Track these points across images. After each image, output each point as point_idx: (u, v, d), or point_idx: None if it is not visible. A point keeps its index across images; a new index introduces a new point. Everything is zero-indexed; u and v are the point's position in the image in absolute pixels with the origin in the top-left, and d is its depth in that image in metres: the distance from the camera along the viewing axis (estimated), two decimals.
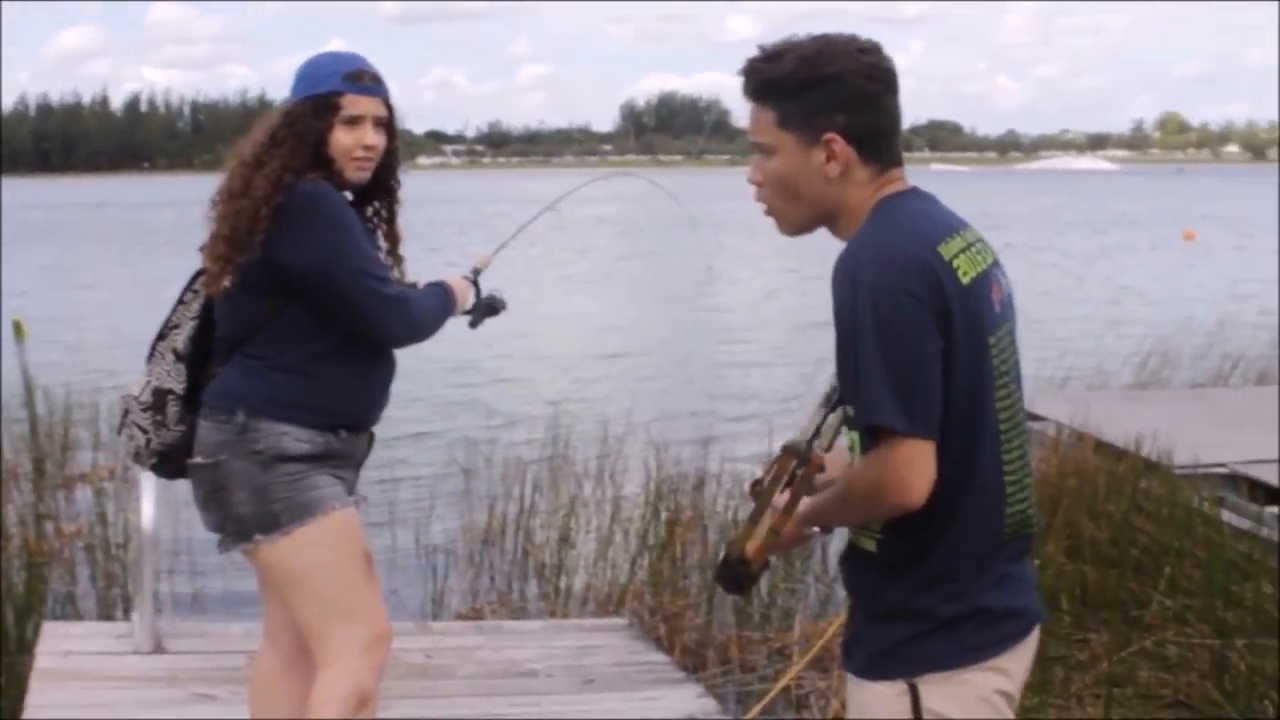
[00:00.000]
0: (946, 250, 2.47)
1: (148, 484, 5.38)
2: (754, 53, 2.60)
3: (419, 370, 13.13)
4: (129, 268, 34.00)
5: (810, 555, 7.56)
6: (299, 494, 3.51)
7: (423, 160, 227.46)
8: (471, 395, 15.18)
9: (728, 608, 6.96)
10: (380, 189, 3.76)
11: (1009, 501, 2.54)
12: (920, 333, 2.39)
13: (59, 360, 14.98)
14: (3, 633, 5.96)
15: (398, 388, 3.79)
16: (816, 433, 2.56)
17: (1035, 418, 9.31)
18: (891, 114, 2.58)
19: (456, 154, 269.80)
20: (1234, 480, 8.16)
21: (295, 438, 3.51)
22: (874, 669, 2.56)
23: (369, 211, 3.78)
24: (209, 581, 7.60)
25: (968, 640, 2.50)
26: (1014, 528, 2.56)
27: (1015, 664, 2.58)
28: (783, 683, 5.65)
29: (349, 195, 3.65)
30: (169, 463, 3.69)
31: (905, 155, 2.65)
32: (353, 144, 3.56)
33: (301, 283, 3.48)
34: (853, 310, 2.41)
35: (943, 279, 2.42)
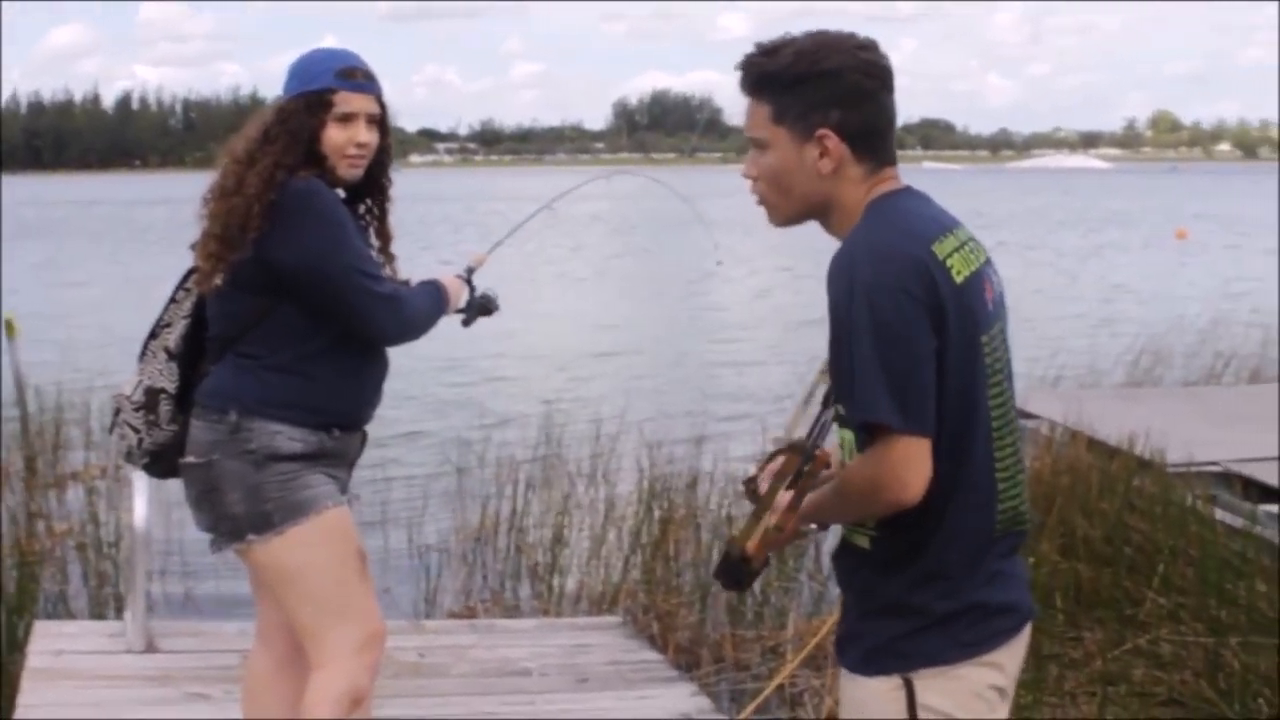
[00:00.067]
0: (940, 249, 2.48)
1: (140, 483, 5.37)
2: (751, 48, 2.60)
3: (412, 369, 13.12)
4: (121, 265, 33.97)
5: (803, 553, 7.55)
6: (292, 493, 3.50)
7: (415, 158, 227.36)
8: (464, 394, 15.17)
9: (721, 606, 6.95)
10: (372, 186, 3.76)
11: (1001, 498, 2.55)
12: (915, 331, 2.40)
13: (51, 358, 14.89)
14: None
15: (390, 386, 3.78)
16: (820, 430, 2.56)
17: (1028, 416, 9.32)
18: (887, 112, 2.58)
19: (449, 152, 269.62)
20: (1227, 478, 8.17)
21: (288, 437, 3.50)
22: (869, 664, 2.57)
23: (361, 209, 3.77)
24: (201, 581, 7.59)
25: (962, 635, 2.52)
26: (1006, 524, 2.57)
27: (1008, 659, 2.60)
28: (777, 681, 5.65)
29: (341, 193, 3.64)
30: (161, 462, 3.68)
31: (898, 153, 2.65)
32: (345, 141, 3.55)
33: (294, 280, 3.47)
34: (848, 308, 2.42)
35: (937, 278, 2.44)
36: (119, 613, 6.63)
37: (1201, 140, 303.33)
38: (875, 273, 2.41)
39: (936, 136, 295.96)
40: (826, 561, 7.53)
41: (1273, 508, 7.38)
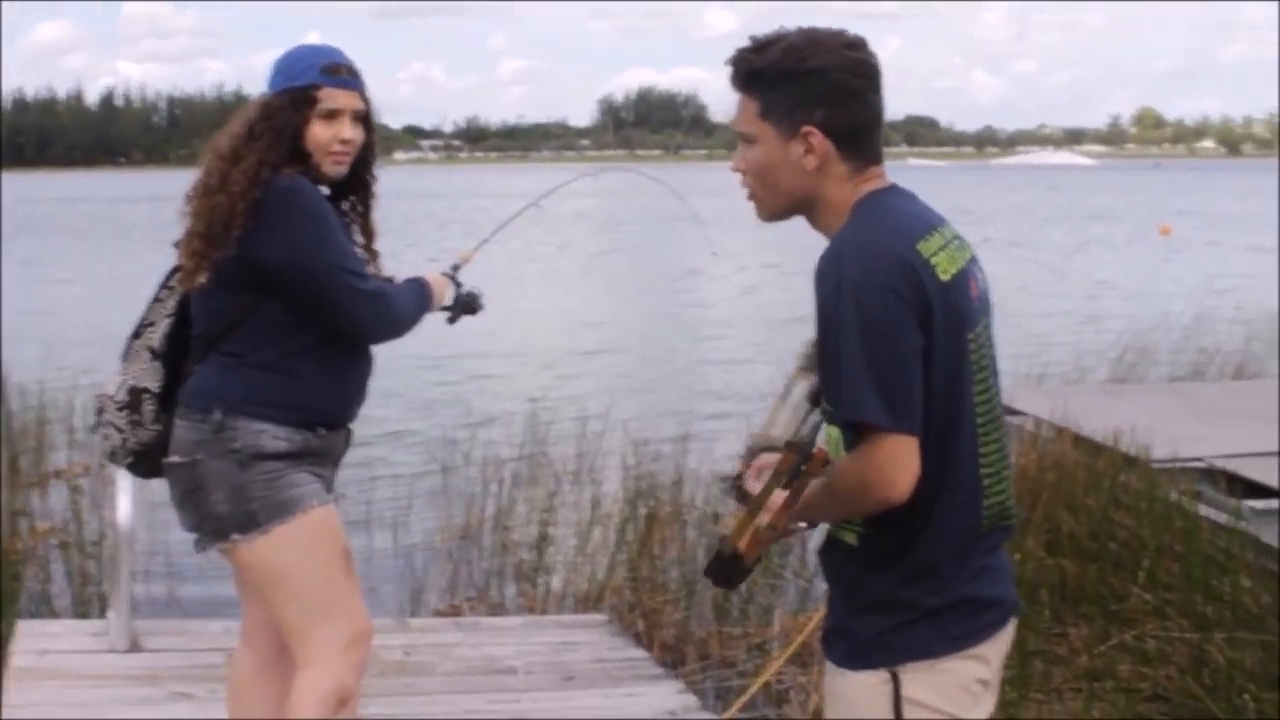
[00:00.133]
0: (926, 248, 2.49)
1: (124, 481, 5.35)
2: (743, 43, 2.61)
3: (397, 367, 13.09)
4: (105, 263, 33.87)
5: (789, 551, 7.55)
6: (277, 492, 3.48)
7: (400, 155, 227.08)
8: (450, 392, 15.14)
9: (707, 603, 6.95)
10: (356, 183, 3.73)
11: (987, 494, 2.57)
12: (902, 330, 2.42)
13: (34, 356, 14.87)
14: None
15: (375, 384, 3.76)
16: (814, 429, 2.57)
17: (1014, 412, 9.32)
18: (874, 111, 2.59)
19: (434, 149, 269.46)
20: (1211, 474, 8.17)
21: (273, 436, 3.48)
22: (856, 658, 2.58)
23: (345, 206, 3.75)
24: (185, 581, 7.56)
25: (950, 629, 2.53)
26: (992, 520, 2.59)
27: (994, 652, 2.62)
28: (763, 678, 5.64)
29: (325, 189, 3.62)
30: (145, 462, 3.66)
31: (883, 150, 2.66)
32: (330, 138, 3.53)
33: (278, 278, 3.45)
34: (835, 307, 2.43)
35: (923, 276, 2.45)
36: (102, 612, 6.60)
37: (1185, 137, 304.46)
38: (862, 271, 2.42)
39: (922, 133, 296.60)
40: (812, 559, 7.53)
41: (1257, 503, 7.39)
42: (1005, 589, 2.65)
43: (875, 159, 2.60)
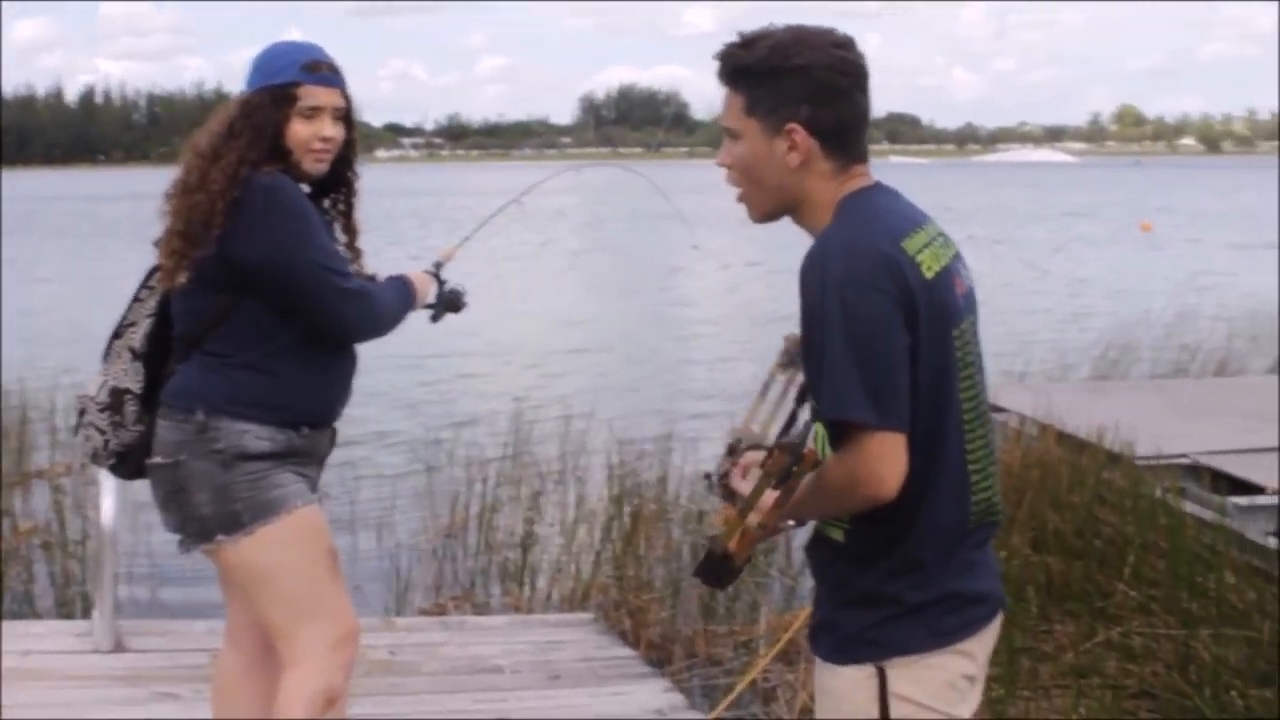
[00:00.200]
0: (910, 245, 2.50)
1: (108, 481, 5.33)
2: (733, 38, 2.61)
3: (380, 366, 13.04)
4: (86, 261, 33.74)
5: (774, 549, 7.56)
6: (261, 493, 3.46)
7: (381, 153, 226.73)
8: (433, 391, 15.12)
9: (693, 602, 6.95)
10: (338, 181, 3.71)
11: (974, 490, 2.58)
12: (888, 327, 2.42)
13: (15, 355, 14.82)
14: None
15: (358, 384, 3.74)
16: (806, 428, 2.56)
17: (997, 409, 9.34)
18: (859, 110, 2.59)
19: (415, 147, 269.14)
20: (1195, 471, 8.20)
21: (256, 436, 3.46)
22: (842, 653, 2.59)
23: (326, 204, 3.73)
24: (167, 582, 7.54)
25: (936, 624, 2.54)
26: (979, 516, 2.60)
27: (980, 648, 2.63)
28: (750, 677, 5.64)
29: (306, 188, 3.60)
30: (128, 463, 3.63)
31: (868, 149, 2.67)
32: (310, 136, 3.51)
33: (259, 277, 3.43)
34: (820, 305, 2.43)
35: (908, 274, 2.45)
36: (85, 612, 6.57)
37: (1165, 134, 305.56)
38: (847, 269, 2.42)
39: (903, 131, 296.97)
40: (797, 556, 7.53)
41: (1241, 500, 7.42)
42: (991, 584, 2.66)
43: (860, 158, 2.60)
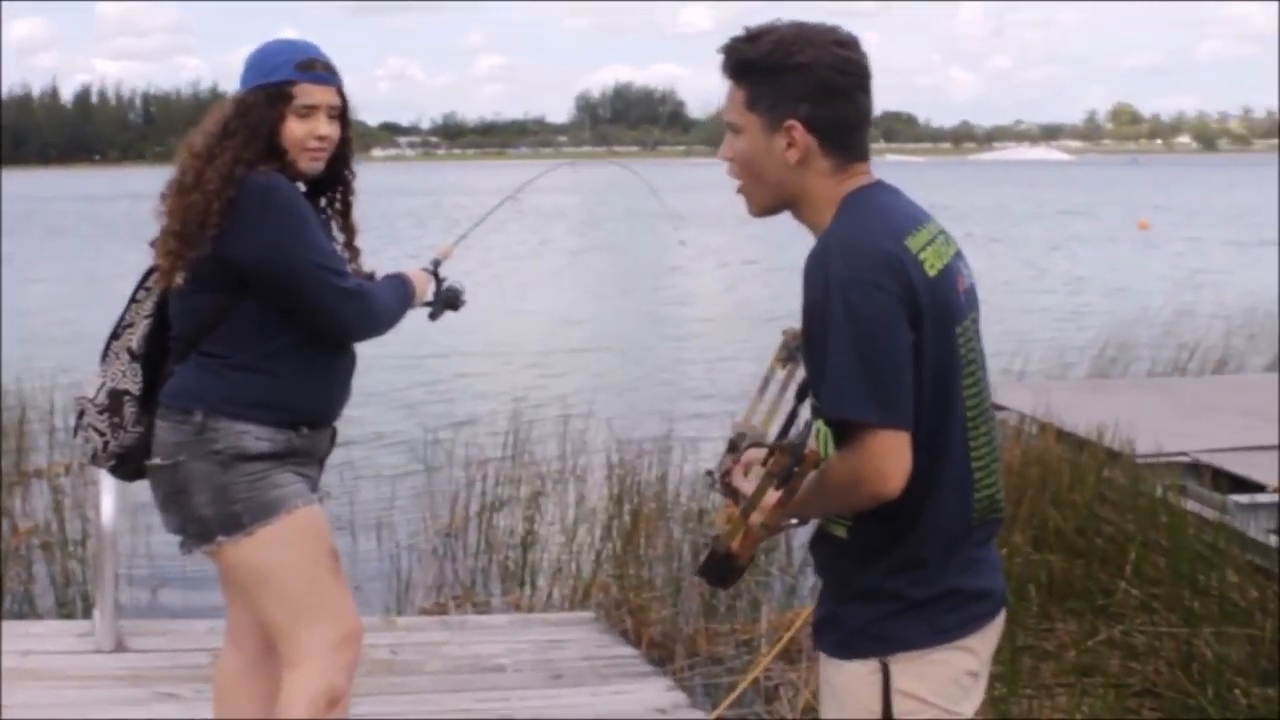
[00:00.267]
0: (913, 243, 2.51)
1: (108, 481, 5.31)
2: (739, 31, 2.62)
3: (380, 366, 13.06)
4: (83, 261, 33.71)
5: (775, 548, 7.55)
6: (261, 493, 3.45)
7: (378, 152, 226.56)
8: (432, 391, 15.11)
9: (694, 600, 6.94)
10: (334, 180, 3.70)
11: (977, 487, 2.59)
12: (892, 326, 2.43)
13: (13, 355, 14.80)
14: None
15: (358, 384, 3.73)
16: (807, 428, 2.56)
17: (996, 407, 9.28)
18: (859, 109, 2.60)
19: (411, 146, 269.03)
20: (1196, 469, 8.20)
21: (255, 436, 3.45)
22: (846, 648, 2.60)
23: (323, 203, 3.71)
24: (168, 585, 7.54)
25: (939, 621, 2.55)
26: (982, 513, 2.61)
27: (983, 645, 2.64)
28: (752, 676, 5.63)
29: (302, 187, 3.59)
30: (127, 464, 3.62)
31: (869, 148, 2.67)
32: (306, 134, 3.49)
33: (255, 277, 3.41)
34: (824, 305, 2.44)
35: (911, 272, 2.46)
36: (86, 612, 6.57)
37: (1161, 132, 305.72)
38: (850, 268, 2.43)
39: (899, 129, 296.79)
40: (798, 555, 7.54)
41: (1242, 498, 7.41)
42: (994, 580, 2.67)
43: (861, 156, 2.61)
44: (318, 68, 3.52)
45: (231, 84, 3.62)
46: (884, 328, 2.41)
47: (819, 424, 2.57)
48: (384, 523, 8.92)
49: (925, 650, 2.54)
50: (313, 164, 3.54)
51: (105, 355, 3.64)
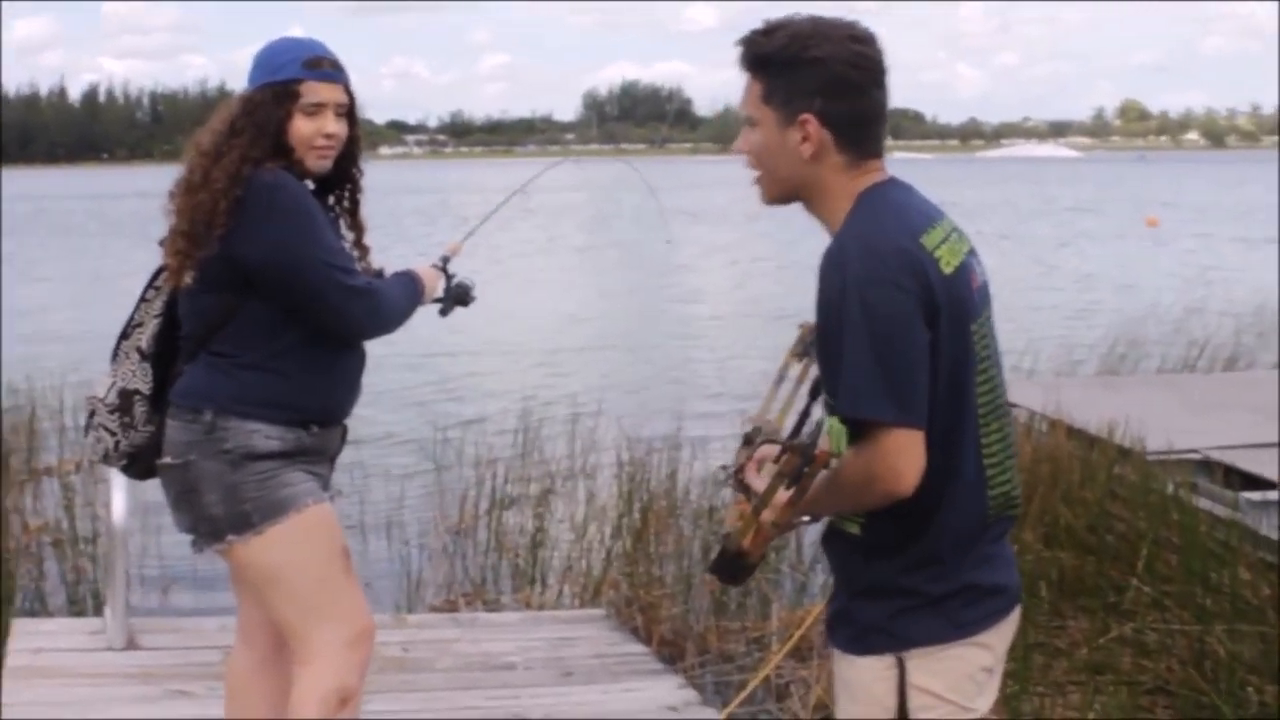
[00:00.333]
0: (929, 241, 2.51)
1: (118, 479, 5.30)
2: (757, 25, 2.63)
3: (389, 365, 13.07)
4: (92, 259, 33.77)
5: (785, 545, 7.55)
6: (271, 492, 3.45)
7: (385, 150, 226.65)
8: (442, 390, 15.11)
9: (704, 598, 6.94)
10: (342, 178, 3.69)
11: (990, 484, 2.59)
12: (908, 324, 2.43)
13: (23, 353, 14.84)
14: None
15: (367, 382, 3.73)
16: (818, 428, 2.56)
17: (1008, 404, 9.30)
18: (874, 105, 2.60)
19: (419, 144, 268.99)
20: (1207, 466, 8.17)
21: (265, 435, 3.44)
22: (861, 643, 2.61)
23: (331, 201, 3.71)
24: (179, 586, 7.55)
25: (956, 616, 2.55)
26: (997, 510, 2.61)
27: (998, 640, 2.64)
28: (763, 673, 5.62)
29: (310, 184, 3.58)
30: (138, 464, 3.62)
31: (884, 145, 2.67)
32: (313, 133, 3.49)
33: (262, 276, 3.40)
34: (841, 303, 2.44)
35: (927, 270, 2.47)
36: (96, 609, 6.57)
37: (1170, 129, 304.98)
38: (866, 267, 2.43)
39: (907, 126, 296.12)
40: (809, 552, 7.53)
41: (1254, 495, 7.38)
42: (1009, 576, 2.67)
43: (875, 153, 2.62)
44: (325, 65, 3.51)
45: (239, 82, 3.62)
46: (901, 326, 2.41)
47: (831, 422, 2.57)
48: (394, 521, 8.92)
49: (942, 646, 2.54)
50: (320, 162, 3.54)
51: (115, 355, 3.64)
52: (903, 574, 2.55)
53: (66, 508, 7.89)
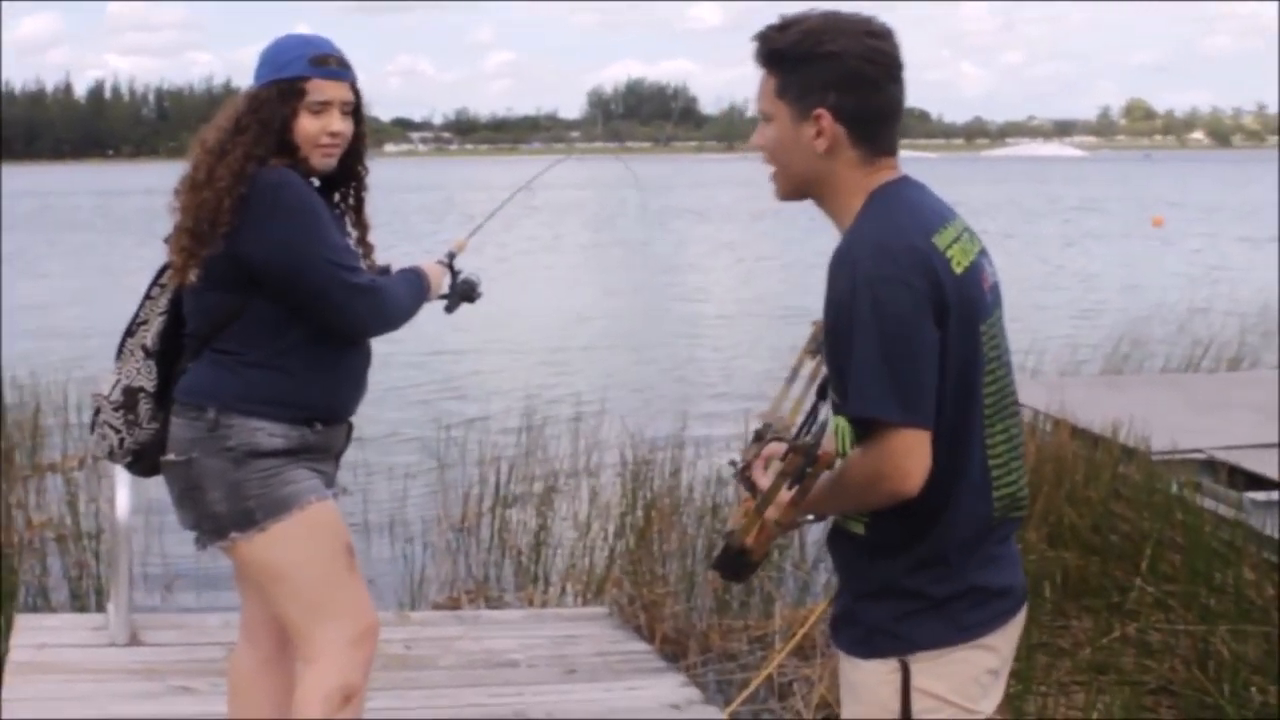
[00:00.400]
0: (941, 240, 2.50)
1: (122, 475, 5.29)
2: (773, 20, 2.62)
3: (393, 363, 13.07)
4: (98, 255, 33.79)
5: (789, 544, 7.54)
6: (273, 490, 3.44)
7: (390, 147, 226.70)
8: (445, 388, 15.11)
9: (707, 596, 6.94)
10: (347, 176, 3.69)
11: (996, 486, 2.58)
12: (918, 324, 2.42)
13: (27, 348, 14.84)
14: None
15: (371, 380, 3.72)
16: (822, 428, 2.56)
17: None
18: (889, 100, 2.59)
19: (424, 141, 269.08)
20: (1211, 465, 8.16)
21: (268, 433, 3.44)
22: (865, 645, 2.60)
23: (336, 198, 3.70)
24: (181, 585, 7.54)
25: (961, 619, 2.55)
26: (1003, 511, 2.60)
27: (1004, 642, 2.63)
28: (766, 672, 5.61)
29: (316, 182, 3.58)
30: (143, 461, 3.62)
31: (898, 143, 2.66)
32: (319, 130, 3.48)
33: (266, 274, 3.40)
34: (851, 302, 2.43)
35: (938, 270, 2.46)
36: (99, 604, 6.57)
37: (1175, 128, 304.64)
38: (878, 265, 2.43)
39: (911, 125, 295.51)
40: (812, 551, 7.53)
41: (1258, 495, 7.37)
42: (1015, 577, 2.66)
43: (888, 150, 2.60)
44: (331, 63, 3.50)
45: (244, 80, 3.62)
46: (910, 326, 2.41)
47: (838, 421, 2.56)
48: (397, 518, 8.92)
49: (946, 649, 2.54)
50: (326, 160, 3.53)
51: (120, 352, 3.64)
52: (907, 575, 2.54)
53: (70, 503, 7.88)
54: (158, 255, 3.62)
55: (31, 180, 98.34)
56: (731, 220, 40.86)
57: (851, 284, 2.43)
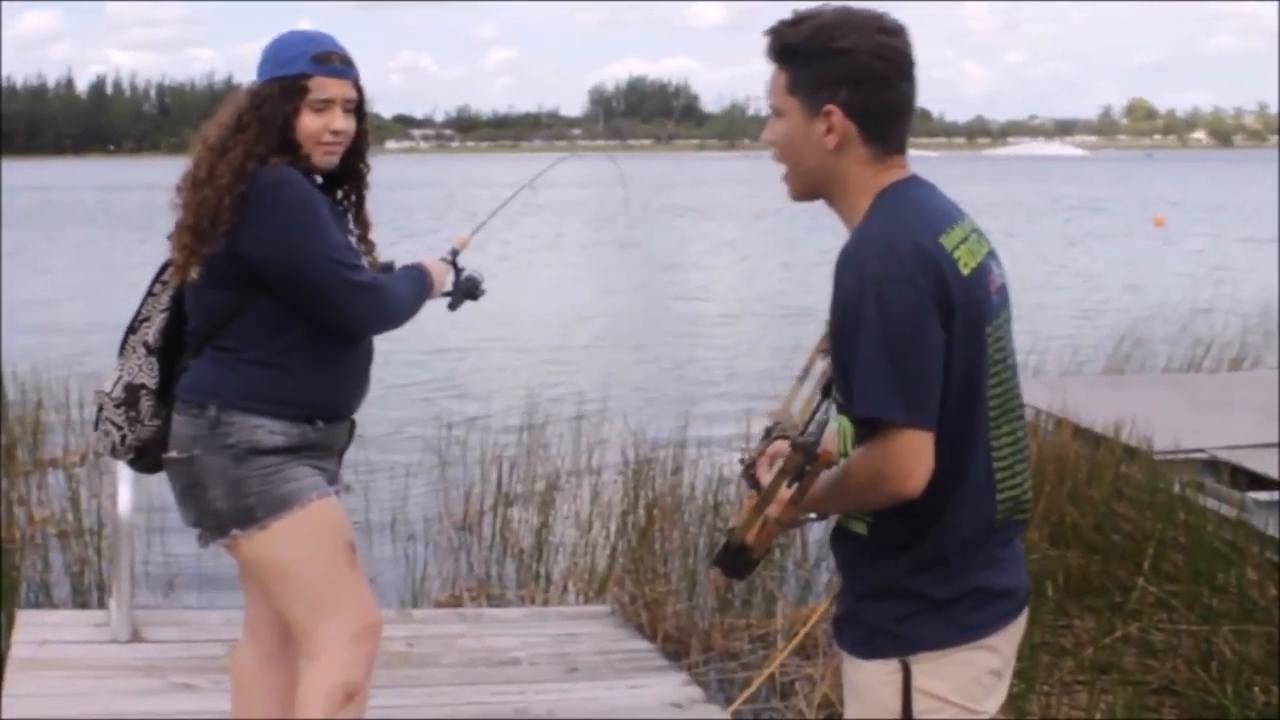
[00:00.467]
0: (948, 241, 2.50)
1: (124, 472, 5.29)
2: (786, 15, 2.62)
3: (395, 361, 13.06)
4: (99, 250, 33.79)
5: (791, 543, 7.53)
6: (274, 487, 3.44)
7: (391, 144, 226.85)
8: (447, 386, 15.10)
9: (709, 594, 6.93)
10: (349, 173, 3.68)
11: (999, 488, 2.57)
12: (924, 324, 2.42)
13: (28, 344, 14.84)
14: None
15: (373, 376, 3.72)
16: (822, 427, 2.56)
17: None
18: (900, 98, 2.59)
19: (425, 138, 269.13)
20: (1214, 465, 8.15)
21: (269, 430, 3.44)
22: (867, 646, 2.60)
23: (338, 196, 3.69)
24: (183, 583, 7.53)
25: (963, 620, 2.54)
26: (1006, 513, 2.60)
27: (1006, 643, 2.63)
28: (768, 671, 5.61)
29: (318, 179, 3.57)
30: (145, 458, 3.62)
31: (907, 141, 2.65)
32: (320, 128, 3.47)
33: (266, 272, 3.40)
34: (857, 301, 2.43)
35: (945, 270, 2.45)
36: (101, 601, 6.56)
37: (1177, 128, 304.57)
38: (884, 265, 2.42)
39: (914, 124, 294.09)
40: (813, 550, 7.52)
41: (1261, 495, 7.36)
42: (1018, 578, 2.66)
43: (898, 148, 2.60)
44: (334, 60, 3.49)
45: (245, 76, 3.61)
46: (916, 326, 2.40)
47: (840, 420, 2.57)
48: (399, 516, 8.91)
49: (948, 650, 2.53)
50: (327, 158, 3.53)
51: (122, 349, 3.64)
52: (909, 575, 2.54)
53: (72, 499, 7.87)
54: (159, 251, 3.62)
55: (33, 175, 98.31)
56: (733, 218, 40.85)
57: (858, 283, 2.42)
